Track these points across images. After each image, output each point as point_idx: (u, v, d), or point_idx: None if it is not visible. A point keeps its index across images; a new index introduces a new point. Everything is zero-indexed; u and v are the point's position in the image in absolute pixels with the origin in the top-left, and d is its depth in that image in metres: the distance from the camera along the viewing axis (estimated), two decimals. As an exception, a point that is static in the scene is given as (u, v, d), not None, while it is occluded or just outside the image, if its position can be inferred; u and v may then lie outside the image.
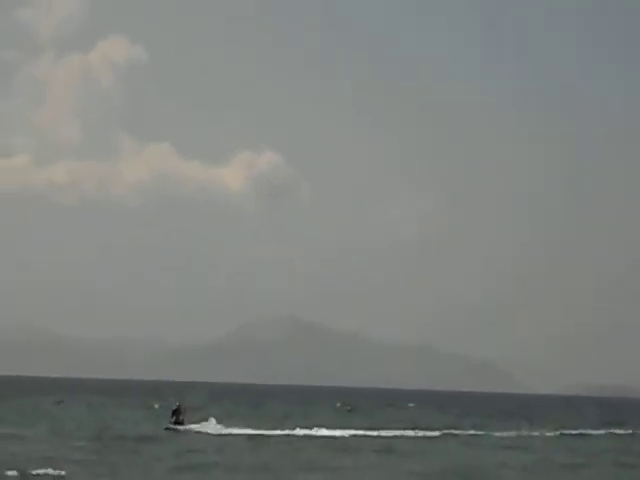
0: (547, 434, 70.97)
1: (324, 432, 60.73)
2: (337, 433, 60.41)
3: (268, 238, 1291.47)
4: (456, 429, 70.57)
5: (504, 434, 68.68)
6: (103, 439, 51.07)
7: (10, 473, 32.92)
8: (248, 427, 62.08)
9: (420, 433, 65.30)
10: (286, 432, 59.92)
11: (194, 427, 60.04)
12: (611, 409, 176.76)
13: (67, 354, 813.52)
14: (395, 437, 61.05)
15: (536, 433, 71.51)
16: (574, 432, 74.44)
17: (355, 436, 59.96)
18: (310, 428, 62.39)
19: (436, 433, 66.02)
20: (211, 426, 60.59)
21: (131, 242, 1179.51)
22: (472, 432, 68.58)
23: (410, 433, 64.73)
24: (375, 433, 62.31)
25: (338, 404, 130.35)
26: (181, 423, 60.62)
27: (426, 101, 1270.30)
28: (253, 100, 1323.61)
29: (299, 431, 60.82)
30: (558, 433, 72.26)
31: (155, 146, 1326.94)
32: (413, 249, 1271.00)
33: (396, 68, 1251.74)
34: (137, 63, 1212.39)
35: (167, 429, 59.66)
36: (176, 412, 61.34)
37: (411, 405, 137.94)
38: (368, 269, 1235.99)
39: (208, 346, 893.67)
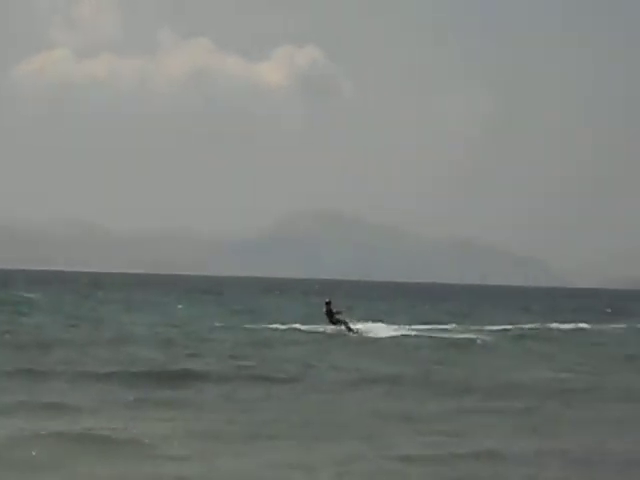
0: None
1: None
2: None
3: (309, 134, 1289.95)
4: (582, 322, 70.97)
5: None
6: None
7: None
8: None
9: (553, 325, 66.87)
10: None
11: (361, 327, 51.05)
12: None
13: (106, 248, 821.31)
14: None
15: None
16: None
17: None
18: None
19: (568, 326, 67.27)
20: (379, 326, 52.06)
21: (173, 137, 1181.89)
22: (587, 325, 68.82)
23: (552, 325, 67.03)
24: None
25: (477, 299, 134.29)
26: (343, 322, 50.84)
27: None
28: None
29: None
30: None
31: (195, 40, 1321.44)
32: (462, 148, 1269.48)
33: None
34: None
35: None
36: (330, 311, 51.26)
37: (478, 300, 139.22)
38: (410, 167, 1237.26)
39: (248, 239, 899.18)
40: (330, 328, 50.48)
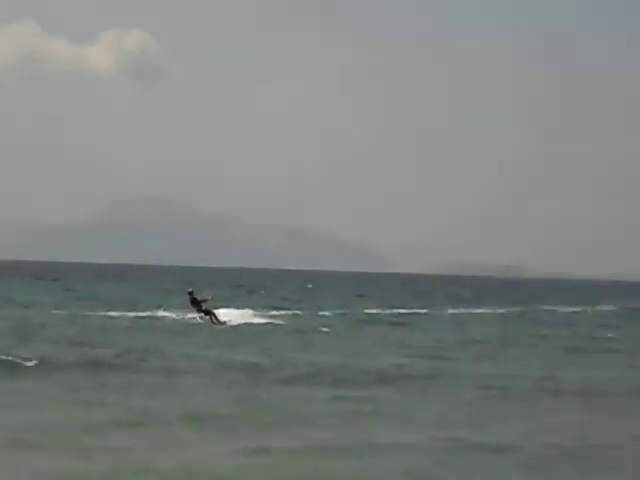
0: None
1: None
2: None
3: (137, 118, 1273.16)
4: (410, 308, 72.61)
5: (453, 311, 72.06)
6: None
7: None
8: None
9: (388, 311, 67.78)
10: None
11: (227, 318, 49.44)
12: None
13: None
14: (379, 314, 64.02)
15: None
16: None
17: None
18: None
19: (402, 310, 68.74)
20: (232, 313, 51.04)
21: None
22: (425, 311, 70.53)
23: (387, 311, 68.08)
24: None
25: (310, 285, 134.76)
26: (210, 313, 49.20)
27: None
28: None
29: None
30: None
31: (19, 23, 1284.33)
32: (291, 134, 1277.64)
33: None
34: None
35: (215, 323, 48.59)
36: (195, 300, 49.42)
37: (310, 286, 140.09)
38: (242, 152, 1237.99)
39: (74, 225, 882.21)
40: (198, 317, 49.15)
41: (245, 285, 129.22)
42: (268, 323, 50.52)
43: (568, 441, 19.69)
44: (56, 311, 54.43)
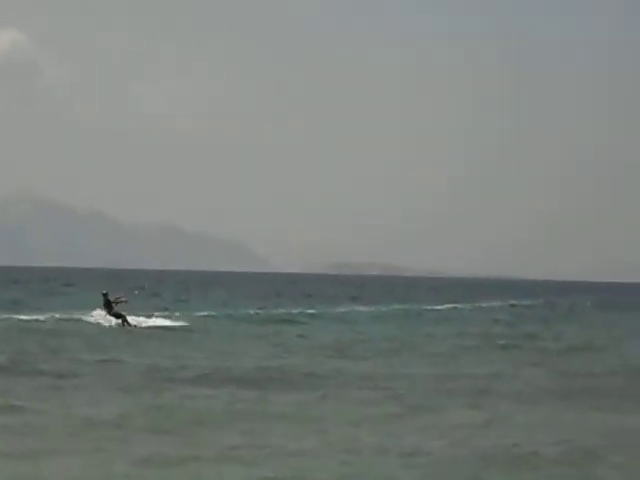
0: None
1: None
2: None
3: (15, 117, 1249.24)
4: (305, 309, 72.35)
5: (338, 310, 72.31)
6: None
7: None
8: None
9: (276, 311, 68.04)
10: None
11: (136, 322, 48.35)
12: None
13: None
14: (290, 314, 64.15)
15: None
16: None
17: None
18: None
19: (292, 310, 68.75)
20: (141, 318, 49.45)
21: None
22: (313, 310, 70.22)
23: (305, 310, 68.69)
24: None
25: (191, 285, 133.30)
26: (122, 316, 47.73)
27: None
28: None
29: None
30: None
31: None
32: (161, 128, 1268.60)
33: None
34: None
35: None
36: (108, 302, 48.01)
37: (191, 286, 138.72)
38: (111, 148, 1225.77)
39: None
40: (113, 322, 47.64)
41: (129, 287, 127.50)
42: (159, 325, 49.72)
43: (461, 442, 19.57)
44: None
